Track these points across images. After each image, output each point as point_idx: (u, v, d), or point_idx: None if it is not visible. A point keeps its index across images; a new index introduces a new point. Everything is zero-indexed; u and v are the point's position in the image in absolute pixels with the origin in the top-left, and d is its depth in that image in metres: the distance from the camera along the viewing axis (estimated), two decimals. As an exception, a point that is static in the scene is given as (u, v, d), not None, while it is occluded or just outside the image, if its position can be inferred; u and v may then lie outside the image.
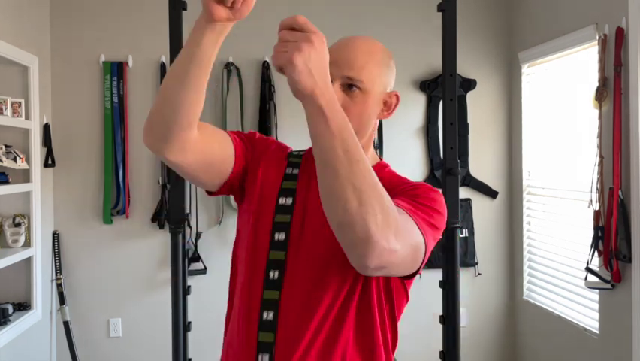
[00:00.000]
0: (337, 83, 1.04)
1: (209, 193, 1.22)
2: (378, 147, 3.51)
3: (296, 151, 1.24)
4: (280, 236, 1.09)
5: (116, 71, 3.38)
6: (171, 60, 2.32)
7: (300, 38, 0.89)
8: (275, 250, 1.09)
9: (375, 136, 3.51)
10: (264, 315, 1.07)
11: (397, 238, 0.88)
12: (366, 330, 1.09)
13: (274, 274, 1.08)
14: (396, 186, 1.10)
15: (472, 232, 3.65)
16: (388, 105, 1.13)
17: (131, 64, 3.40)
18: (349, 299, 1.07)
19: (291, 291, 1.07)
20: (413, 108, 3.62)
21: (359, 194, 0.85)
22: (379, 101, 1.10)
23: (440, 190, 1.13)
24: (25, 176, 3.03)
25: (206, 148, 1.08)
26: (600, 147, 2.71)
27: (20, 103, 2.95)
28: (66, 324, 3.31)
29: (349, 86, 1.04)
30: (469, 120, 3.63)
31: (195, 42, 0.93)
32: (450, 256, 2.14)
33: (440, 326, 2.20)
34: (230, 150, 1.13)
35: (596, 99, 2.72)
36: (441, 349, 2.26)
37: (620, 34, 2.60)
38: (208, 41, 0.93)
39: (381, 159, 1.19)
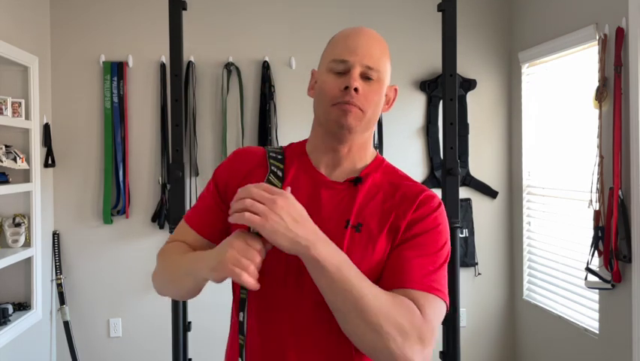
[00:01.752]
0: (357, 71, 1.04)
1: None
2: (378, 146, 3.51)
3: (272, 148, 1.20)
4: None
5: (116, 71, 3.38)
6: (171, 60, 2.32)
7: (266, 202, 0.94)
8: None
9: (375, 136, 3.53)
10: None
11: (424, 341, 0.95)
12: None
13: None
14: (399, 197, 1.09)
15: (472, 232, 3.65)
16: (388, 98, 1.14)
17: (131, 64, 3.40)
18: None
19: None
20: (413, 108, 3.62)
21: (372, 327, 0.93)
22: (384, 94, 1.11)
23: (440, 199, 1.12)
24: (25, 176, 3.03)
25: None
26: (600, 147, 2.71)
27: (20, 103, 2.95)
28: (66, 324, 3.31)
29: (367, 77, 1.06)
30: (469, 120, 3.63)
31: (196, 278, 1.06)
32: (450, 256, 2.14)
33: (440, 326, 2.20)
34: (205, 242, 1.16)
35: (596, 99, 2.72)
36: (441, 349, 2.26)
37: (620, 34, 2.60)
38: (205, 282, 1.07)
39: (377, 153, 1.19)
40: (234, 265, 0.93)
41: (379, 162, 1.16)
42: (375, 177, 1.13)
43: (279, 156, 1.16)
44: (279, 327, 1.06)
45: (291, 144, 1.20)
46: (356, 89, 1.04)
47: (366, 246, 1.04)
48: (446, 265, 1.07)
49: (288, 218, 0.93)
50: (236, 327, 1.10)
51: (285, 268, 1.05)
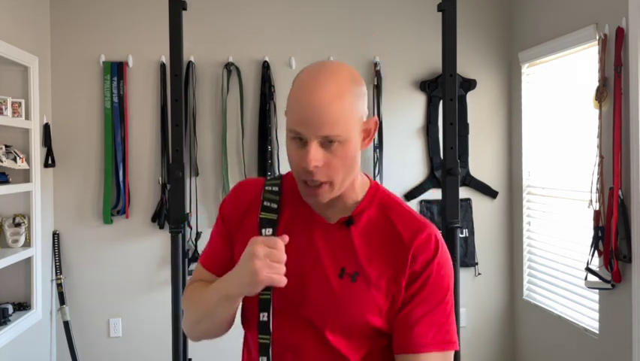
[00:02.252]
0: (314, 145, 0.98)
1: None
2: (378, 147, 3.51)
3: (269, 183, 1.16)
4: (263, 317, 1.05)
5: (116, 71, 3.38)
6: (171, 60, 2.32)
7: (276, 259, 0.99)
8: (262, 333, 1.06)
9: (375, 136, 3.52)
10: None
11: None
12: None
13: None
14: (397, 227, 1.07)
15: (472, 232, 3.65)
16: (368, 132, 1.05)
17: (131, 64, 3.40)
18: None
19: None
20: (413, 108, 3.62)
21: None
22: (359, 136, 1.03)
23: (436, 236, 1.08)
24: (25, 176, 3.02)
25: None
26: (600, 147, 2.71)
27: (20, 103, 2.95)
28: (66, 324, 3.31)
29: (328, 142, 0.98)
30: (469, 120, 3.63)
31: (231, 299, 1.04)
32: (450, 256, 2.15)
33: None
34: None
35: (596, 99, 2.72)
36: (441, 349, 2.25)
37: (620, 34, 2.60)
38: (241, 299, 1.05)
39: (370, 179, 1.15)
40: (268, 273, 0.96)
41: (373, 193, 1.11)
42: (369, 214, 1.09)
43: (275, 188, 1.14)
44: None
45: (288, 175, 1.15)
46: (316, 166, 0.99)
47: (363, 295, 1.03)
48: (453, 306, 1.07)
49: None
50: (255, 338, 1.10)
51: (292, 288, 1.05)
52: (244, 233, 1.11)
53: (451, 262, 1.09)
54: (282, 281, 0.97)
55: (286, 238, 1.00)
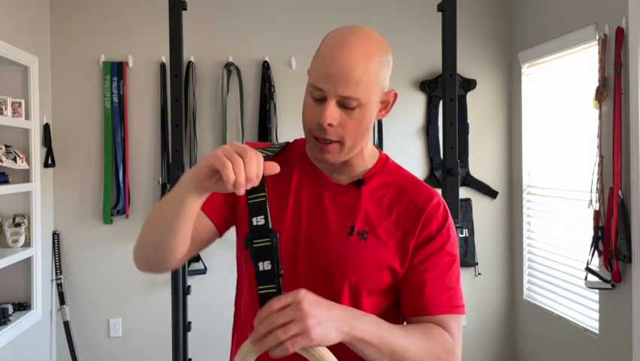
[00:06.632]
0: (332, 103, 0.97)
1: None
2: (378, 146, 3.51)
3: (273, 146, 1.14)
4: (265, 266, 0.95)
5: (116, 71, 3.38)
6: (171, 60, 2.32)
7: (292, 328, 0.86)
8: (263, 284, 0.94)
9: (375, 136, 3.53)
10: None
11: (458, 359, 1.02)
12: None
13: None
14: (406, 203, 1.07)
15: (472, 232, 3.65)
16: (386, 104, 1.06)
17: (131, 64, 3.40)
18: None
19: None
20: (413, 108, 3.62)
21: None
22: (377, 104, 1.03)
23: (445, 205, 1.10)
24: (25, 176, 3.02)
25: (190, 251, 1.06)
26: (600, 147, 2.71)
27: (20, 103, 2.95)
28: (66, 324, 3.31)
29: (346, 103, 0.98)
30: (469, 120, 3.63)
31: (180, 199, 0.95)
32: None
33: (440, 326, 2.20)
34: (210, 227, 1.09)
35: (596, 99, 2.72)
36: (441, 349, 2.26)
37: (620, 34, 2.60)
38: (193, 200, 0.95)
39: (380, 151, 1.15)
40: (222, 158, 0.85)
41: (383, 162, 1.12)
42: (380, 179, 1.09)
43: (270, 154, 1.10)
44: None
45: (296, 141, 1.17)
46: (330, 124, 0.98)
47: (372, 253, 1.03)
48: (459, 269, 1.11)
49: (322, 315, 0.87)
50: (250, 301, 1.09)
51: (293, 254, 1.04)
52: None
53: (455, 231, 1.12)
54: (230, 177, 0.83)
55: (276, 167, 0.91)
